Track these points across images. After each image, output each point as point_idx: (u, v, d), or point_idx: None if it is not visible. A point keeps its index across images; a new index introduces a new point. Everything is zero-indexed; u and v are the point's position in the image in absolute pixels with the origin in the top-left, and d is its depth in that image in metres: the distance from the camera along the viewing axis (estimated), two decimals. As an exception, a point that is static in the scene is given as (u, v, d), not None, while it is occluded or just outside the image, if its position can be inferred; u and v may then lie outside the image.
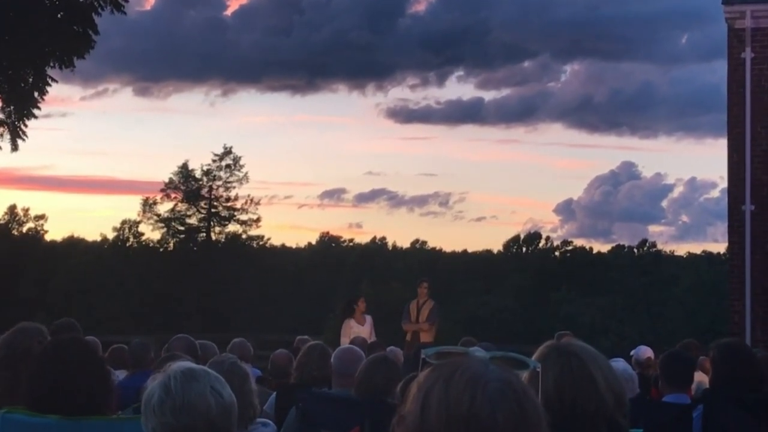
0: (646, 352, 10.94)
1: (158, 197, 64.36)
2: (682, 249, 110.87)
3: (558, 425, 1.76)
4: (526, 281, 72.19)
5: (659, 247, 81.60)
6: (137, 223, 67.05)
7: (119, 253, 65.63)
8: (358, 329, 15.05)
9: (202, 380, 2.96)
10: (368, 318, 15.56)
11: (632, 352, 11.10)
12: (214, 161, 63.49)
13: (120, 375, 7.99)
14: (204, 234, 64.94)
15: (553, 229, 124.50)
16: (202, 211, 64.26)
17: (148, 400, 2.96)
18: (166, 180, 63.91)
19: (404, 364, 7.42)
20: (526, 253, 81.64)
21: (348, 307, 15.67)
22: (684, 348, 9.04)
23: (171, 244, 66.25)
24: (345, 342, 13.19)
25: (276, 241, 78.41)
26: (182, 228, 64.78)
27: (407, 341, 15.29)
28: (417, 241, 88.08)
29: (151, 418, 2.93)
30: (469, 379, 1.61)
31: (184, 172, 63.87)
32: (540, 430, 1.64)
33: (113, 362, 8.43)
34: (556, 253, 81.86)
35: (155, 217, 64.61)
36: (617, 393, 2.58)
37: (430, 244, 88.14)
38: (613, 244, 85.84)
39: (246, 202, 64.21)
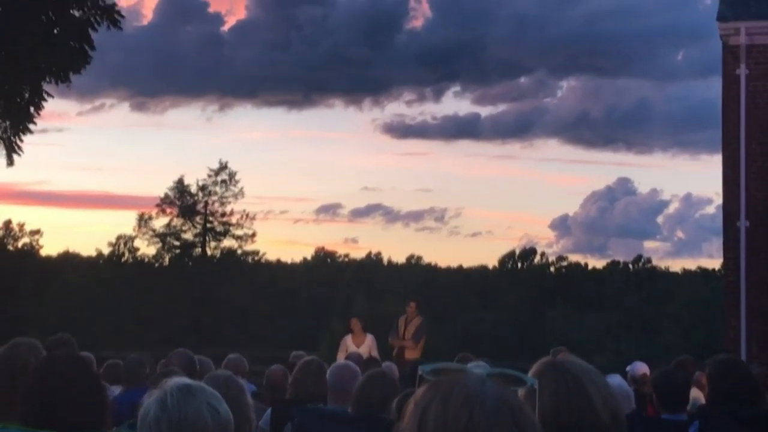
0: (641, 368, 10.92)
1: (154, 212, 64.45)
2: (677, 265, 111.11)
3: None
4: (521, 297, 72.13)
5: (655, 263, 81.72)
6: (133, 238, 67.09)
7: (114, 268, 65.57)
8: (352, 347, 15.02)
9: (198, 396, 2.95)
10: (369, 337, 15.52)
11: (628, 368, 11.08)
12: (209, 176, 63.60)
13: (115, 390, 7.96)
14: (199, 249, 64.88)
15: (549, 245, 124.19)
16: (198, 226, 64.22)
17: (144, 416, 2.94)
18: (162, 195, 64.01)
19: (401, 380, 7.40)
20: (521, 268, 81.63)
21: (347, 325, 15.85)
22: (679, 365, 9.01)
23: (166, 259, 66.18)
24: (340, 358, 13.16)
25: (271, 256, 78.46)
26: (178, 243, 64.72)
27: (393, 357, 15.34)
28: (412, 256, 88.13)
29: None
30: (466, 397, 1.60)
31: (180, 187, 63.88)
32: (537, 449, 1.63)
33: (108, 378, 8.41)
34: (552, 269, 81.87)
35: (151, 232, 64.62)
36: (614, 410, 2.57)
37: (426, 260, 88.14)
38: (609, 260, 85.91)
39: (241, 217, 64.28)
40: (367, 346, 15.20)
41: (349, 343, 15.37)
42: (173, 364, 7.09)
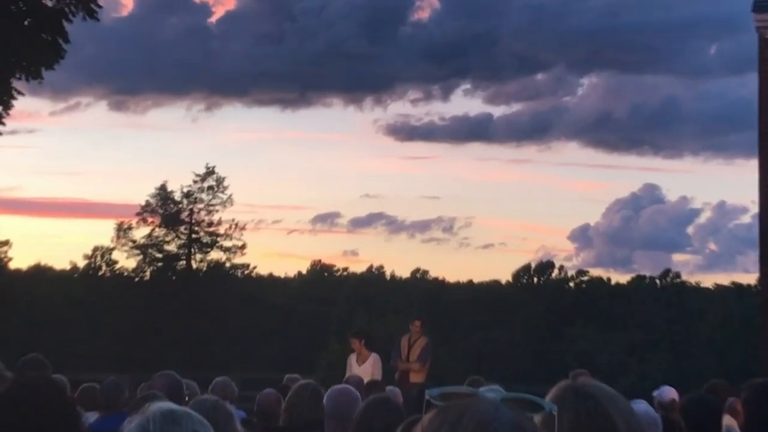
0: (669, 393, 10.90)
1: (134, 222, 64.42)
2: (709, 280, 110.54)
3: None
4: (537, 315, 72.12)
5: (684, 277, 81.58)
6: (110, 250, 67.08)
7: (90, 282, 65.57)
8: (356, 368, 14.99)
9: (183, 424, 2.94)
10: (372, 357, 15.43)
11: (655, 393, 11.06)
12: (195, 182, 63.59)
13: (91, 417, 7.96)
14: (184, 262, 64.88)
15: (568, 258, 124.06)
16: (182, 236, 64.24)
17: None
18: (143, 203, 64.01)
19: (405, 405, 7.39)
20: (537, 284, 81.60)
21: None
22: (710, 390, 8.99)
23: (147, 273, 66.16)
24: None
25: (263, 270, 78.46)
26: (160, 255, 64.70)
27: (396, 380, 15.30)
28: (418, 270, 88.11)
29: None
30: (477, 424, 1.59)
31: (163, 194, 63.89)
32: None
33: (84, 403, 8.40)
34: (571, 284, 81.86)
35: (130, 244, 64.59)
36: (639, 438, 2.56)
37: (433, 274, 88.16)
38: (634, 275, 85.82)
39: (230, 227, 64.28)
40: (369, 366, 15.14)
41: (352, 363, 15.36)
42: (157, 387, 7.08)
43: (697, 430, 6.21)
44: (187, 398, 6.84)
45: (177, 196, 63.90)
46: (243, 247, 64.96)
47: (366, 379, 13.35)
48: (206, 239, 64.58)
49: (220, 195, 63.72)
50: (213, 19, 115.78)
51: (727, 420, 7.83)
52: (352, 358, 15.44)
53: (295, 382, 8.24)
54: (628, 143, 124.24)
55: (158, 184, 64.70)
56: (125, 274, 67.12)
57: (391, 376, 15.94)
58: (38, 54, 18.70)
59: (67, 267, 71.85)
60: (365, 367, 15.07)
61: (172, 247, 64.75)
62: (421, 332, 15.98)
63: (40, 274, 71.49)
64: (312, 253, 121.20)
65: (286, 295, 75.80)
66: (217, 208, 63.84)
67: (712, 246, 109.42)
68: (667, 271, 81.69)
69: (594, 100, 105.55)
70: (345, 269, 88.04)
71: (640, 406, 6.38)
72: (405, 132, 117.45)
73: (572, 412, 2.52)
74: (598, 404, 2.58)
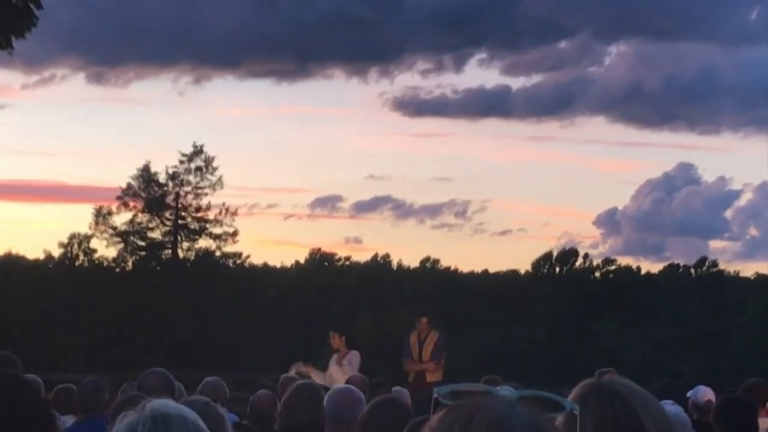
0: (705, 393, 10.94)
1: (114, 206, 64.51)
2: (749, 269, 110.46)
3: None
4: (559, 308, 72.10)
5: (722, 266, 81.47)
6: (89, 238, 67.11)
7: (67, 273, 65.66)
8: (334, 370, 14.97)
9: (176, 430, 2.94)
10: (349, 356, 15.36)
11: (689, 394, 11.09)
12: (181, 163, 63.66)
13: (67, 422, 8.00)
14: (169, 251, 64.98)
15: (594, 245, 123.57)
16: (167, 223, 64.32)
17: None
18: (124, 185, 64.08)
19: (415, 407, 7.41)
20: (560, 273, 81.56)
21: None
22: (747, 390, 9.00)
23: (129, 263, 66.27)
24: (321, 381, 13.17)
25: (257, 259, 78.36)
26: (143, 243, 64.82)
27: (410, 383, 15.25)
28: (428, 259, 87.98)
29: None
30: (491, 424, 1.60)
31: (146, 175, 63.95)
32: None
33: (59, 406, 8.45)
34: (597, 274, 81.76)
35: (110, 231, 64.70)
36: (671, 441, 2.57)
37: (444, 263, 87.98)
38: (666, 264, 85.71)
39: (220, 213, 64.38)
40: (346, 365, 15.09)
41: (331, 362, 15.32)
42: (145, 387, 7.07)
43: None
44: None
45: (161, 178, 64.04)
46: (235, 234, 65.12)
47: (344, 378, 13.38)
48: (194, 226, 64.67)
49: (209, 177, 63.83)
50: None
51: (765, 423, 7.84)
52: (333, 359, 15.42)
53: (292, 382, 8.26)
54: (661, 118, 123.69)
55: (141, 164, 64.81)
56: (105, 264, 67.19)
57: (399, 377, 15.95)
58: (8, 21, 18.70)
59: (41, 256, 71.91)
60: (344, 365, 15.06)
61: (156, 235, 64.86)
62: (430, 327, 15.91)
63: (10, 263, 71.46)
64: (311, 240, 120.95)
65: (282, 286, 75.77)
66: (205, 191, 63.97)
67: (753, 231, 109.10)
68: (703, 260, 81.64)
69: (623, 70, 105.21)
70: (347, 258, 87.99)
71: (668, 407, 6.40)
72: (414, 106, 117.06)
73: (597, 412, 2.53)
74: (625, 403, 2.59)
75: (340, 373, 14.23)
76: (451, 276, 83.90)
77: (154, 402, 3.05)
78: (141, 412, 2.96)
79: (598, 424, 2.52)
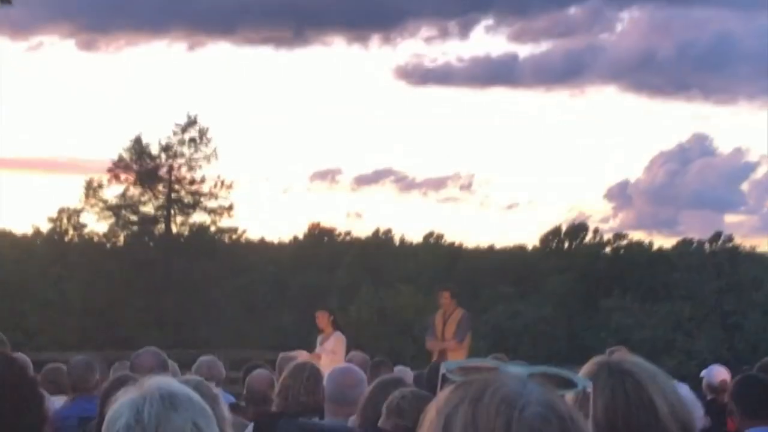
0: (720, 373, 10.95)
1: (105, 179, 64.44)
2: (766, 244, 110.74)
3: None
4: (568, 285, 72.18)
5: (738, 241, 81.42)
6: (78, 212, 67.11)
7: (56, 249, 65.68)
8: (319, 350, 14.99)
9: (183, 411, 2.92)
10: (334, 336, 15.39)
11: (703, 374, 11.11)
12: (175, 134, 63.54)
13: (57, 402, 8.00)
14: (162, 225, 64.96)
15: (604, 219, 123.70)
16: (160, 196, 64.28)
17: (112, 421, 2.92)
18: (115, 157, 64.00)
19: (416, 384, 7.41)
20: (569, 249, 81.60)
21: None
22: (763, 369, 9.01)
23: (121, 238, 66.28)
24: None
25: (253, 234, 78.56)
26: (135, 218, 64.80)
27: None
28: (431, 234, 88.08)
29: None
30: (502, 401, 1.60)
31: (138, 147, 63.86)
32: (590, 469, 1.63)
33: (48, 386, 8.45)
34: (607, 250, 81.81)
35: (101, 204, 64.67)
36: (683, 421, 2.57)
37: (448, 239, 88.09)
38: (680, 238, 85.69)
39: (215, 185, 64.27)
40: (330, 345, 15.11)
41: (318, 346, 15.35)
42: (140, 366, 7.07)
43: (749, 414, 6.22)
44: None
45: (154, 149, 63.92)
46: (230, 208, 65.03)
47: (328, 359, 13.39)
48: (188, 199, 64.61)
49: (204, 148, 63.70)
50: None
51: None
52: (318, 340, 15.46)
53: (291, 362, 8.27)
54: (674, 87, 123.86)
55: (133, 135, 64.72)
56: (95, 239, 67.18)
57: (403, 358, 16.00)
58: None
59: (29, 231, 71.99)
60: (326, 346, 15.08)
61: (148, 209, 64.83)
62: (454, 304, 15.91)
63: (-3, 239, 71.61)
64: (310, 214, 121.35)
65: (280, 262, 75.86)
66: (200, 163, 63.85)
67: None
68: (718, 234, 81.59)
69: (635, 37, 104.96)
70: (348, 233, 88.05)
71: (679, 389, 6.39)
72: (417, 75, 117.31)
73: (608, 392, 2.53)
74: (637, 383, 2.59)
75: (326, 360, 14.24)
76: (456, 251, 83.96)
77: (156, 379, 3.04)
78: (144, 389, 2.95)
79: (608, 403, 2.52)
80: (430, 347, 15.87)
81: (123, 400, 2.93)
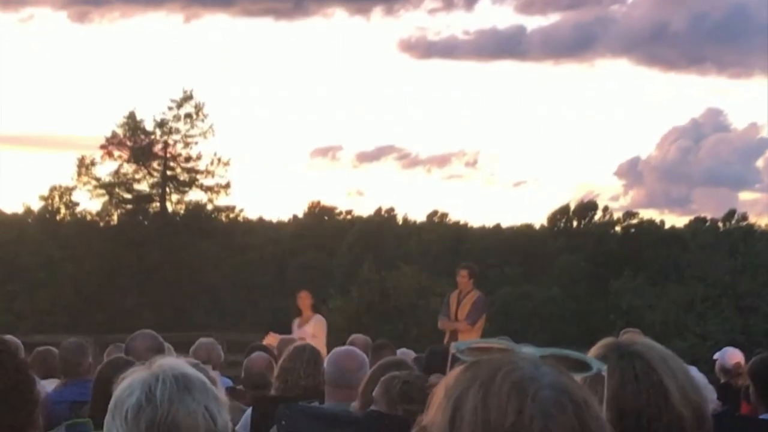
0: (734, 356, 10.95)
1: (98, 156, 64.45)
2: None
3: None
4: (577, 265, 72.25)
5: (752, 220, 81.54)
6: (71, 190, 67.17)
7: (47, 228, 65.73)
8: (302, 333, 14.98)
9: (197, 395, 2.91)
10: (314, 319, 15.40)
11: (716, 356, 11.11)
12: (170, 109, 63.51)
13: (48, 386, 8.01)
14: (157, 204, 65.01)
15: (614, 197, 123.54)
16: (155, 174, 64.30)
17: (122, 398, 2.91)
18: (108, 134, 63.97)
19: (414, 363, 7.40)
20: (578, 228, 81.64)
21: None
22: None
23: (114, 217, 66.34)
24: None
25: (251, 213, 78.65)
26: (129, 196, 64.84)
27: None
28: (435, 213, 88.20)
29: (119, 424, 2.88)
30: (514, 384, 1.59)
31: (132, 123, 63.85)
32: (605, 454, 1.62)
33: (40, 369, 8.46)
34: (618, 229, 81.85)
35: (94, 182, 64.68)
36: (696, 406, 2.56)
37: (453, 217, 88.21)
38: (692, 217, 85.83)
39: (212, 163, 64.26)
40: (310, 328, 15.11)
41: (294, 329, 15.32)
42: (135, 349, 7.06)
43: (767, 395, 6.22)
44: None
45: (149, 125, 63.92)
46: (227, 186, 65.04)
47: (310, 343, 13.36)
48: (183, 177, 64.63)
49: (200, 124, 63.70)
50: None
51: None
52: (295, 324, 15.43)
53: (290, 345, 8.27)
54: (688, 60, 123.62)
55: (127, 111, 64.70)
56: (88, 218, 67.26)
57: (406, 340, 16.03)
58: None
59: (20, 210, 72.03)
60: (306, 329, 15.08)
61: (143, 187, 64.90)
62: (471, 284, 15.85)
63: (-13, 218, 71.67)
64: (309, 193, 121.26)
65: (279, 242, 75.94)
66: (196, 139, 63.87)
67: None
68: (731, 213, 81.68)
69: (647, 8, 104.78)
70: (349, 212, 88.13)
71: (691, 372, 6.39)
72: (421, 48, 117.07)
73: (617, 374, 2.52)
74: (647, 365, 2.58)
75: (306, 335, 14.26)
76: (461, 231, 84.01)
77: (169, 360, 3.04)
78: (157, 368, 2.94)
79: (617, 387, 2.51)
80: (441, 326, 15.79)
81: (134, 378, 2.92)
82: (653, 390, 2.53)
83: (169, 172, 64.18)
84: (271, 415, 5.87)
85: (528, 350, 1.74)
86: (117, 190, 64.58)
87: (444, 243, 73.96)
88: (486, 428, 1.56)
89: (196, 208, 65.31)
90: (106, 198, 65.06)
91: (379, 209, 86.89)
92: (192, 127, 63.59)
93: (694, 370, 6.63)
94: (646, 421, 2.51)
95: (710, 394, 6.42)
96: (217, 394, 2.99)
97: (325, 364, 6.74)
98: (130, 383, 2.92)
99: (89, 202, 66.49)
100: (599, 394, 1.85)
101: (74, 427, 4.69)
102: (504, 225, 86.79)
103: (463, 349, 1.77)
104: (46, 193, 68.53)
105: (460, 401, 1.60)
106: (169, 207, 65.16)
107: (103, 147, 64.01)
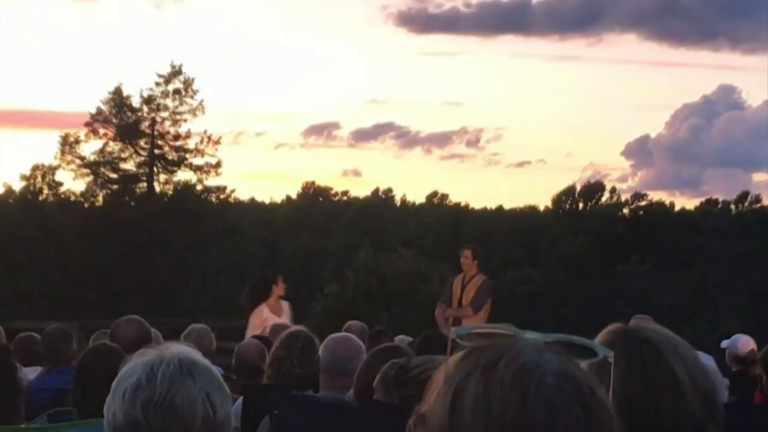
0: (747, 343, 10.96)
1: (82, 134, 64.37)
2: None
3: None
4: (583, 249, 72.30)
5: (766, 202, 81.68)
6: (54, 169, 67.16)
7: (29, 209, 65.73)
8: (273, 320, 14.94)
9: (200, 381, 2.97)
10: (285, 305, 15.33)
11: (725, 344, 11.12)
12: (158, 84, 63.41)
13: (31, 373, 8.01)
14: (144, 184, 64.99)
15: (622, 178, 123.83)
16: (142, 152, 64.26)
17: (123, 378, 2.97)
18: (93, 110, 63.91)
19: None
20: (584, 210, 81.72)
21: (262, 286, 15.34)
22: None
23: (99, 198, 66.31)
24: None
25: (243, 194, 78.69)
26: (115, 176, 64.79)
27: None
28: (435, 194, 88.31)
29: (117, 403, 2.94)
30: (518, 371, 1.60)
31: (118, 99, 63.76)
32: (611, 443, 1.63)
33: (22, 356, 8.45)
34: (625, 211, 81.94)
35: (78, 161, 64.64)
36: (707, 395, 2.57)
37: (453, 199, 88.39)
38: (703, 199, 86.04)
39: (201, 141, 64.21)
40: (286, 316, 15.06)
41: (266, 315, 15.16)
42: (121, 336, 7.07)
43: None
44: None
45: (135, 101, 63.82)
46: (218, 165, 65.00)
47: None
48: (172, 156, 64.58)
49: (189, 101, 63.59)
50: None
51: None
52: (265, 309, 15.25)
53: (283, 331, 8.28)
54: (700, 35, 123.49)
55: (112, 87, 64.59)
56: (72, 198, 67.25)
57: (404, 327, 15.97)
58: None
59: (0, 190, 72.07)
60: (284, 318, 15.04)
61: (129, 166, 64.84)
62: (476, 268, 15.50)
63: (-34, 199, 71.68)
64: (304, 172, 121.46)
65: (271, 225, 76.00)
66: (185, 117, 63.76)
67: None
68: (744, 195, 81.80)
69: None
70: (345, 193, 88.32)
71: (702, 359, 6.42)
72: (421, 21, 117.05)
73: (624, 361, 2.52)
74: (655, 352, 2.58)
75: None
76: (462, 213, 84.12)
77: (179, 346, 3.11)
78: (163, 351, 3.01)
79: (624, 374, 2.51)
80: (438, 316, 15.29)
81: (139, 360, 2.99)
82: (662, 378, 2.54)
83: (156, 151, 64.14)
84: (264, 405, 5.88)
85: (532, 336, 1.74)
86: (102, 169, 64.52)
87: (444, 226, 74.03)
88: (488, 417, 1.56)
89: (185, 189, 65.28)
90: (90, 178, 65.00)
91: (377, 190, 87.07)
92: (181, 103, 63.53)
93: (705, 358, 6.67)
94: (655, 410, 2.51)
95: (721, 383, 6.45)
96: (223, 384, 3.03)
97: (320, 352, 6.74)
98: (134, 364, 2.99)
99: (73, 183, 66.53)
100: (605, 382, 1.86)
101: (57, 415, 4.69)
102: (507, 207, 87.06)
103: (464, 334, 1.77)
104: (27, 172, 68.61)
105: (460, 389, 1.60)
106: (157, 187, 65.13)
107: (87, 124, 63.95)
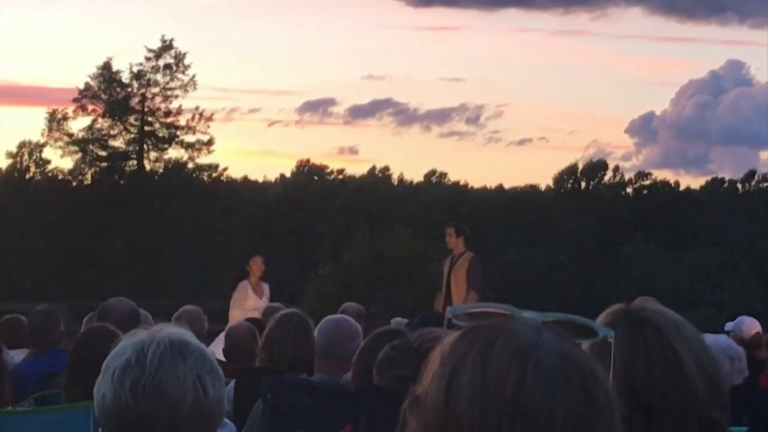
0: (752, 326, 10.98)
1: (70, 110, 64.32)
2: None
3: (629, 420, 1.74)
4: (585, 229, 72.31)
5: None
6: (41, 147, 67.11)
7: (15, 188, 65.71)
8: (255, 302, 15.00)
9: (191, 362, 2.98)
10: (266, 288, 15.46)
11: (729, 326, 11.14)
12: (148, 59, 63.40)
13: (17, 356, 8.01)
14: (134, 162, 64.97)
15: (626, 157, 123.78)
16: (132, 129, 64.24)
17: (113, 358, 3.00)
18: (82, 86, 63.81)
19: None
20: (586, 189, 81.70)
21: (240, 275, 15.80)
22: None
23: (88, 176, 66.30)
24: (237, 316, 13.24)
25: (236, 172, 78.54)
26: (104, 153, 64.79)
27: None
28: (434, 172, 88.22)
29: (106, 383, 2.96)
30: (515, 351, 1.60)
31: (107, 74, 63.71)
32: (611, 426, 1.62)
33: (7, 338, 8.46)
34: (629, 190, 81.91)
35: (66, 138, 64.58)
36: (712, 377, 2.57)
37: (453, 177, 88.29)
38: (710, 177, 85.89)
39: (193, 118, 64.23)
40: (266, 298, 15.17)
41: (249, 295, 15.29)
42: (110, 317, 7.06)
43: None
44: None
45: (125, 77, 63.79)
46: (210, 143, 65.06)
47: (261, 309, 13.39)
48: (162, 133, 64.59)
49: (180, 76, 63.62)
50: None
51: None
52: (248, 288, 15.33)
53: (276, 313, 8.28)
54: (706, 9, 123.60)
55: (101, 61, 64.53)
56: (60, 177, 67.22)
57: (401, 309, 15.96)
58: None
59: (-15, 168, 72.00)
60: (263, 301, 15.11)
61: (119, 143, 64.83)
62: (464, 246, 15.30)
63: (-50, 177, 71.61)
64: (299, 150, 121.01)
65: (265, 204, 75.94)
66: (176, 93, 63.81)
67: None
68: (752, 173, 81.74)
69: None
70: (341, 171, 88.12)
71: (720, 340, 6.42)
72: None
73: (626, 343, 2.52)
74: (659, 333, 2.58)
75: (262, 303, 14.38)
76: (461, 192, 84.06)
77: (172, 327, 3.14)
78: (155, 332, 3.03)
79: (626, 356, 2.51)
80: (438, 307, 14.84)
81: (129, 341, 3.01)
82: (665, 359, 2.54)
83: (147, 128, 64.13)
84: (256, 388, 5.88)
85: (530, 315, 1.74)
86: (91, 146, 64.50)
87: (442, 205, 73.90)
88: (485, 398, 1.56)
89: (176, 167, 65.29)
90: (79, 155, 65.00)
91: (373, 168, 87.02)
92: (172, 79, 63.52)
93: (728, 341, 6.68)
94: (659, 392, 2.51)
95: (741, 364, 6.47)
96: (216, 367, 3.04)
97: (315, 334, 6.74)
98: (124, 345, 3.02)
99: (61, 160, 66.53)
100: (606, 363, 1.86)
101: (44, 399, 4.70)
102: (507, 186, 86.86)
103: (460, 314, 1.77)
104: (14, 150, 68.57)
105: (456, 370, 1.60)
106: (147, 165, 65.14)
107: (75, 100, 63.92)
